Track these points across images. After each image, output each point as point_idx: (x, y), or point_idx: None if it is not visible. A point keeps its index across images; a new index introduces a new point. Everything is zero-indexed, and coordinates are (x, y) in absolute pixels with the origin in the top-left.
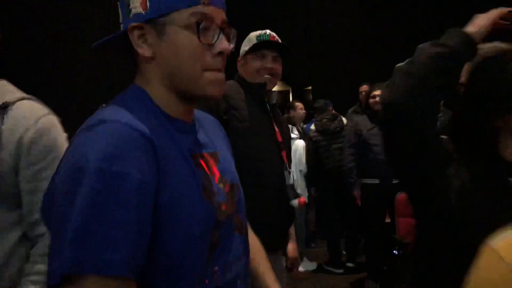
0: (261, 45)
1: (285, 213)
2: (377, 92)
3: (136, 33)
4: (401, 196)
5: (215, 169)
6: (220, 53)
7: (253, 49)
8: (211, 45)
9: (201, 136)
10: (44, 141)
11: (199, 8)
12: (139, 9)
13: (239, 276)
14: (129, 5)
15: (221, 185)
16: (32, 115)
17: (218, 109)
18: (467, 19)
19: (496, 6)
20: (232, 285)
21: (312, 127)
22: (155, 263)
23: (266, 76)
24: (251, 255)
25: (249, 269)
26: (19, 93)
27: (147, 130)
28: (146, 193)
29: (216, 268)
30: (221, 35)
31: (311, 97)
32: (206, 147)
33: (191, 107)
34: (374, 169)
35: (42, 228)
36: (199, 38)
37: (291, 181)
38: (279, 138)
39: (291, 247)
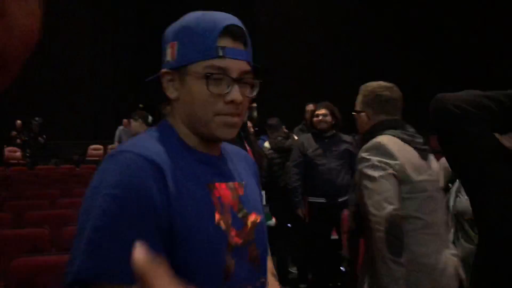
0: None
1: None
2: (321, 112)
3: (166, 77)
4: (346, 213)
5: (235, 200)
6: (232, 101)
7: None
8: (223, 94)
9: (227, 169)
10: None
11: (214, 61)
12: (170, 58)
13: None
14: (165, 54)
15: (239, 214)
16: None
17: None
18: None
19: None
20: None
21: (266, 144)
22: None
23: None
24: None
25: None
26: None
27: (161, 161)
28: (152, 215)
29: None
30: (235, 86)
31: (255, 114)
32: (230, 179)
33: (215, 143)
34: (320, 188)
35: None
36: (207, 88)
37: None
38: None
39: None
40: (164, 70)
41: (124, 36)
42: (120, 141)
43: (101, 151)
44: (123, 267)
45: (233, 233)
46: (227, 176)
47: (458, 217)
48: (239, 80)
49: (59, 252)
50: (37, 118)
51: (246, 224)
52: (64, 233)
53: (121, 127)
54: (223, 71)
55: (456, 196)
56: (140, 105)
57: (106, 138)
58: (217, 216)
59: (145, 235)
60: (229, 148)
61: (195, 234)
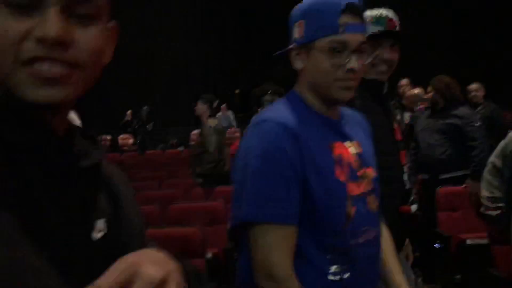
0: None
1: (400, 219)
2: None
3: (294, 52)
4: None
5: (354, 156)
6: (351, 70)
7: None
8: (343, 64)
9: (345, 130)
10: None
11: (337, 36)
12: (298, 35)
13: (368, 241)
14: (293, 32)
15: (357, 169)
16: None
17: None
18: None
19: None
20: (360, 247)
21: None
22: (303, 219)
23: (382, 68)
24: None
25: (380, 244)
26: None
27: (294, 126)
28: (293, 167)
29: (350, 230)
30: (353, 56)
31: None
32: (348, 138)
33: (335, 107)
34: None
35: None
36: (330, 60)
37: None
38: (399, 136)
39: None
40: (293, 45)
41: (220, 25)
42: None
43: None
44: (281, 209)
45: (351, 184)
46: (346, 136)
47: None
48: (357, 51)
49: (167, 225)
50: (145, 107)
51: (363, 177)
52: (171, 209)
53: (219, 113)
54: (344, 44)
55: None
56: (236, 91)
57: None
58: (337, 171)
59: (290, 184)
60: (347, 112)
61: (320, 186)
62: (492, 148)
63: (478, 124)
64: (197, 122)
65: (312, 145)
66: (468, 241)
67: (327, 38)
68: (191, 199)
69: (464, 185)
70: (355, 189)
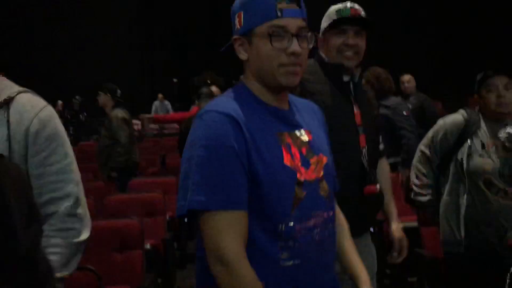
0: (341, 21)
1: (365, 199)
2: None
3: (237, 43)
4: None
5: (304, 144)
6: (293, 53)
7: (333, 25)
8: (285, 48)
9: (295, 118)
10: (47, 131)
11: (275, 21)
12: (238, 26)
13: (317, 226)
14: (235, 24)
15: (308, 156)
16: (34, 108)
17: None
18: None
19: None
20: (310, 231)
21: None
22: (252, 207)
23: (347, 53)
24: (338, 231)
25: (334, 229)
26: (16, 87)
27: (237, 116)
28: (239, 155)
29: (298, 215)
30: (294, 40)
31: None
32: (297, 127)
33: (281, 96)
34: None
35: (50, 208)
36: (271, 44)
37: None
38: (358, 121)
39: (395, 227)
40: (235, 36)
41: (158, 17)
42: (157, 113)
43: (139, 126)
44: (228, 196)
45: (302, 171)
46: (295, 125)
47: (471, 176)
48: (297, 35)
49: (104, 218)
50: (77, 97)
51: (315, 163)
52: (106, 202)
53: (156, 102)
54: (283, 28)
55: (469, 156)
56: (174, 80)
57: (144, 113)
58: (285, 159)
59: (236, 171)
60: (298, 101)
61: (267, 175)
62: (422, 137)
63: (405, 113)
64: (136, 112)
65: (259, 134)
66: None
67: (266, 24)
68: (128, 191)
69: (396, 172)
70: (306, 175)
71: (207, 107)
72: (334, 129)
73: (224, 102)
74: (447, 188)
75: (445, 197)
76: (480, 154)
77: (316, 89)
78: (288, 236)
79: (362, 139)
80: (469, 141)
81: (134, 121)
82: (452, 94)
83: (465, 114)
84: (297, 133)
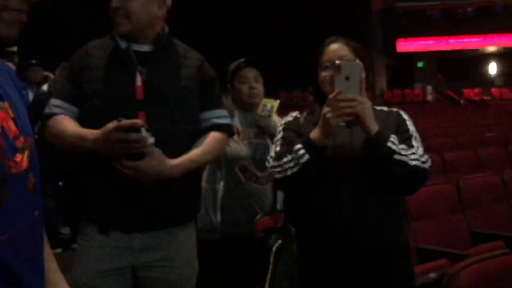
0: None
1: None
2: None
3: None
4: None
5: (10, 123)
6: None
7: None
8: None
9: None
10: None
11: None
12: None
13: (23, 233)
14: None
15: (14, 140)
16: None
17: (71, 70)
18: None
19: None
20: (15, 241)
21: None
22: None
23: (116, 19)
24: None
25: (42, 234)
26: None
27: None
28: None
29: (3, 223)
30: None
31: None
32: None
33: None
34: None
35: None
36: None
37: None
38: (139, 96)
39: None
40: None
41: None
42: None
43: None
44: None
45: (9, 161)
46: None
47: (230, 163)
48: None
49: None
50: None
51: (23, 149)
52: None
53: None
54: None
55: None
56: None
57: None
58: None
59: None
60: None
61: None
62: None
63: None
64: None
65: None
66: None
67: None
68: None
69: None
70: (14, 165)
71: None
72: (105, 107)
73: None
74: (204, 175)
75: (203, 184)
76: (236, 141)
77: (94, 63)
78: None
79: (142, 116)
80: None
81: None
82: None
83: None
84: (1, 105)
